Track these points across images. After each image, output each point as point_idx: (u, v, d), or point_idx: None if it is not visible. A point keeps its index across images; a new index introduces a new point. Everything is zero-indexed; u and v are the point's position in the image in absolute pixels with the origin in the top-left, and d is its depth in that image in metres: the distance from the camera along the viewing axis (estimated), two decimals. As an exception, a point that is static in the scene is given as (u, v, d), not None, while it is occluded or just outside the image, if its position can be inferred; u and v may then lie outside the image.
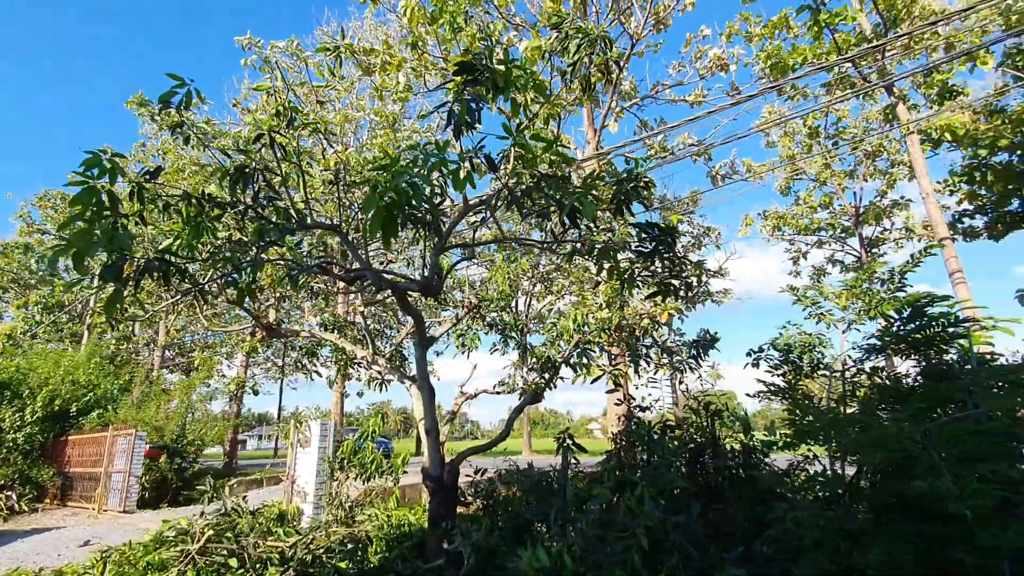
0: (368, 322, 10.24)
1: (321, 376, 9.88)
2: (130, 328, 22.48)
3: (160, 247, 5.19)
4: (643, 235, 4.95)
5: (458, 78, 3.75)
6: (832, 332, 6.05)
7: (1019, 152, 16.29)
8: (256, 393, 18.77)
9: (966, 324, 4.61)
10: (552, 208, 4.35)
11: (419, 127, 15.54)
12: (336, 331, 8.04)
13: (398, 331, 13.93)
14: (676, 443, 6.67)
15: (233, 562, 5.92)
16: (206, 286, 4.12)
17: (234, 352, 27.97)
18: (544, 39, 10.92)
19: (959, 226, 19.76)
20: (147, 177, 3.85)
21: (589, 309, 8.15)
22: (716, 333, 6.49)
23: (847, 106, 15.09)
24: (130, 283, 3.36)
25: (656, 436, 6.83)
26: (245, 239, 4.83)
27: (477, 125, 4.02)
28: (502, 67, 3.59)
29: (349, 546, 6.30)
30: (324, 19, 45.81)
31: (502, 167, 4.36)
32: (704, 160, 14.74)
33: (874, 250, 19.57)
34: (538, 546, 4.04)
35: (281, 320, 8.06)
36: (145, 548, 6.51)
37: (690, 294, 4.90)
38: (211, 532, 5.87)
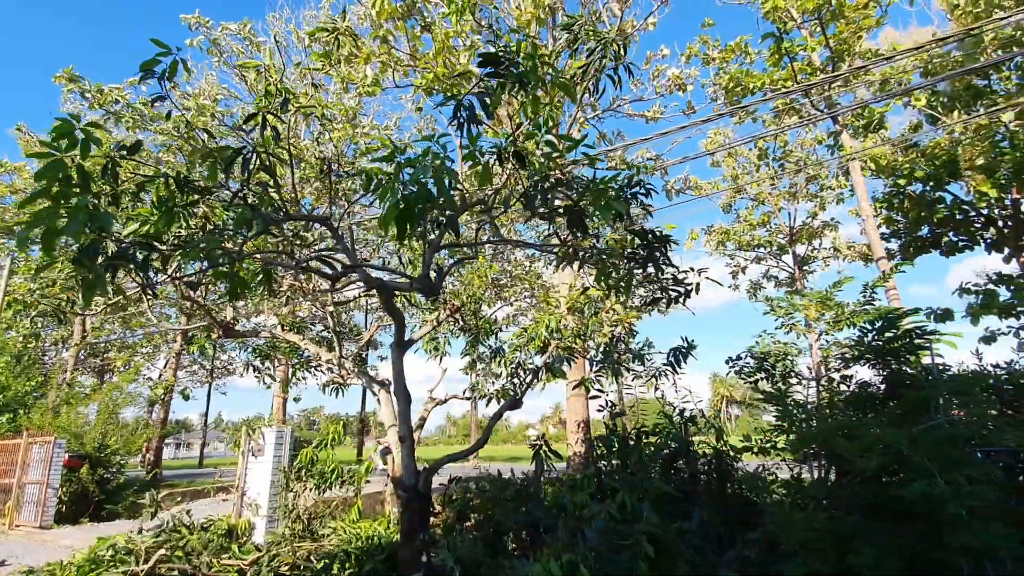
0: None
1: (275, 380, 9.30)
2: (39, 325, 20.25)
3: (124, 232, 4.68)
4: (638, 242, 4.99)
5: (429, 76, 3.65)
6: (799, 340, 6.37)
7: (931, 183, 18.04)
8: (187, 398, 17.40)
9: (931, 337, 4.97)
10: (559, 210, 4.29)
11: (378, 123, 15.07)
12: (297, 332, 7.57)
13: (354, 333, 13.35)
14: (652, 449, 6.76)
15: (186, 583, 5.39)
16: (195, 277, 3.73)
17: (155, 354, 25.91)
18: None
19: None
20: (124, 153, 3.44)
21: (556, 316, 8.14)
22: (693, 341, 6.65)
23: (789, 132, 16.14)
24: (109, 268, 2.96)
25: (631, 442, 6.90)
26: (220, 228, 4.43)
27: (485, 121, 3.90)
28: (529, 62, 3.50)
29: (315, 563, 5.90)
30: (278, 5, 43.81)
31: (505, 167, 4.25)
32: (660, 174, 15.23)
33: (805, 267, 20.95)
34: (548, 558, 3.92)
35: (236, 319, 7.48)
36: (79, 569, 5.81)
37: (687, 301, 4.97)
38: (162, 551, 5.31)
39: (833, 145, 12.79)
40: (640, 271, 4.92)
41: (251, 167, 3.61)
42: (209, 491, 15.00)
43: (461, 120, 4.45)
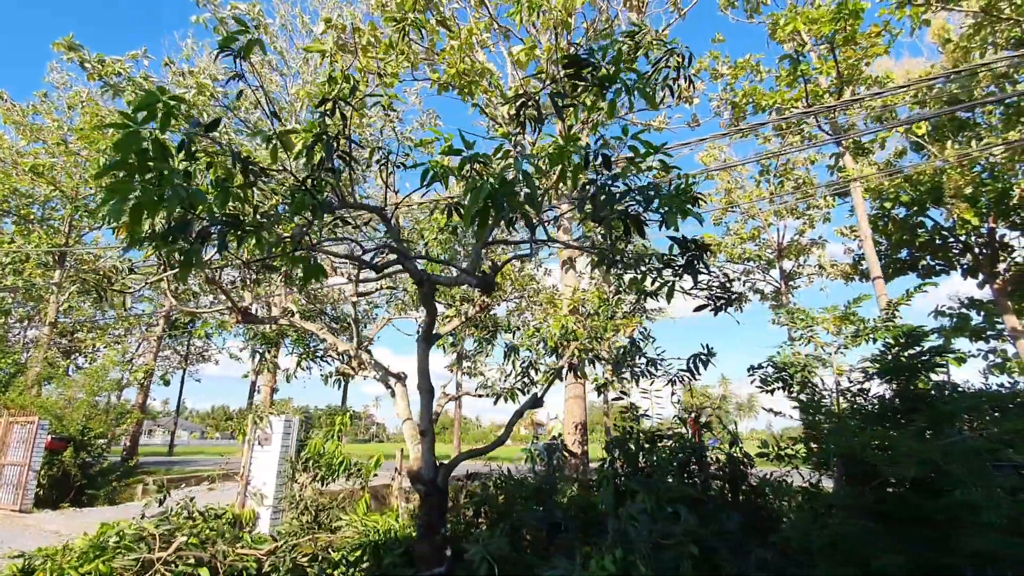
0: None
1: (280, 368, 9.14)
2: (8, 301, 19.38)
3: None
4: (677, 250, 5.09)
5: (451, 71, 3.67)
6: (816, 352, 6.57)
7: (915, 208, 18.80)
8: (167, 383, 16.85)
9: (951, 355, 5.20)
10: (618, 214, 4.35)
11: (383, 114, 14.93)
12: (314, 320, 7.46)
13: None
14: (667, 452, 6.89)
15: (204, 572, 5.27)
16: (268, 260, 3.66)
17: (127, 337, 25.08)
18: (532, 47, 10.98)
19: (859, 267, 22.40)
20: (204, 129, 3.37)
21: (570, 318, 8.23)
22: (712, 348, 6.80)
23: (792, 152, 16.59)
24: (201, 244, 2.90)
25: (647, 445, 7.02)
26: (268, 212, 4.37)
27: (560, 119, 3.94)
28: (613, 67, 3.56)
29: (333, 555, 5.83)
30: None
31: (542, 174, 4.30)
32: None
33: (791, 283, 21.52)
34: (602, 554, 3.98)
35: (253, 304, 7.32)
36: (83, 555, 5.61)
37: (733, 307, 5.09)
38: (183, 537, 5.18)
39: (833, 166, 13.21)
40: (679, 278, 5.02)
41: (334, 152, 3.57)
42: (195, 479, 14.61)
43: (522, 119, 4.50)
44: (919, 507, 4.44)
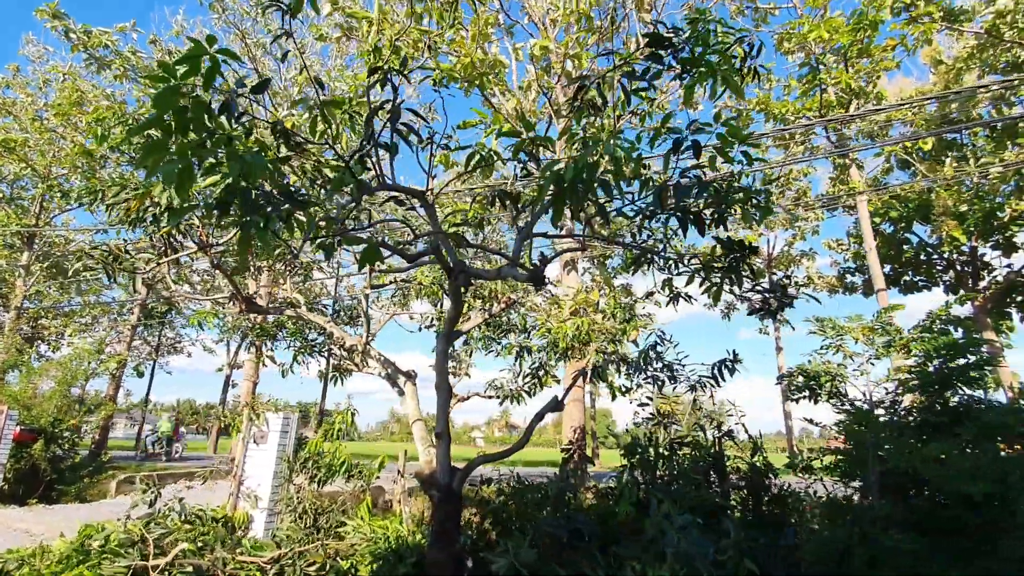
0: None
1: (275, 363, 8.66)
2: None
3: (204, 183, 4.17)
4: (723, 250, 4.90)
5: (465, 61, 3.40)
6: (846, 361, 6.46)
7: (902, 224, 19.21)
8: (140, 375, 15.99)
9: (990, 368, 5.12)
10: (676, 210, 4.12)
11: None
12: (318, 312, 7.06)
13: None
14: (688, 460, 6.70)
15: (204, 581, 4.84)
16: (326, 241, 3.31)
17: (92, 325, 23.91)
18: (557, 41, 10.74)
19: (844, 280, 22.82)
20: (251, 90, 3.00)
21: (587, 320, 7.99)
22: (738, 355, 6.64)
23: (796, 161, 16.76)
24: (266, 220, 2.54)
25: (666, 453, 6.82)
26: (301, 191, 4.01)
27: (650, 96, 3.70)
28: (700, 47, 3.32)
29: (342, 563, 5.45)
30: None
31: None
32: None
33: (753, 293, 21.72)
34: (655, 564, 3.73)
35: (256, 293, 6.88)
36: (66, 560, 5.12)
37: (783, 312, 4.91)
38: (183, 544, 4.74)
39: (836, 178, 13.32)
40: (727, 281, 4.82)
41: (397, 124, 3.24)
42: (172, 477, 13.83)
43: (577, 105, 4.23)
44: (958, 519, 4.33)
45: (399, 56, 3.59)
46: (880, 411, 5.83)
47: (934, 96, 10.50)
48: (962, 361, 4.99)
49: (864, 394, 5.79)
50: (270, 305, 6.54)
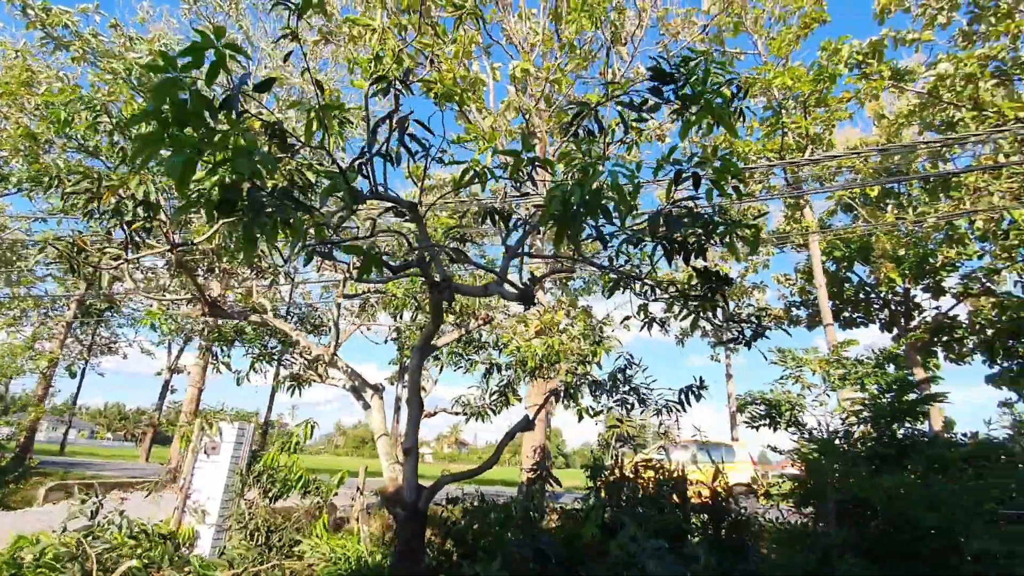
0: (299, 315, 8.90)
1: (230, 370, 8.21)
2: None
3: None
4: (700, 280, 5.08)
5: (448, 80, 3.51)
6: (804, 392, 6.78)
7: (844, 264, 20.46)
8: (73, 375, 14.80)
9: (935, 402, 5.48)
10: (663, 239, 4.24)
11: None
12: (289, 320, 6.82)
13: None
14: (651, 484, 6.80)
15: (149, 603, 4.50)
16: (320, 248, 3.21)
17: (20, 319, 22.16)
18: (537, 65, 10.95)
19: (791, 313, 23.98)
20: (253, 88, 2.91)
21: (556, 340, 8.07)
22: (704, 381, 6.84)
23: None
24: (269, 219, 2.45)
25: (631, 475, 6.90)
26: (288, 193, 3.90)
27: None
28: (700, 86, 3.48)
29: (300, 583, 5.20)
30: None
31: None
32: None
33: (729, 322, 22.58)
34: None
35: (224, 296, 6.56)
36: (-8, 578, 4.65)
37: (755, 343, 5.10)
38: (131, 562, 4.40)
39: (790, 217, 14.08)
40: (704, 310, 4.98)
41: (404, 134, 3.21)
42: (104, 486, 12.77)
43: (575, 130, 4.32)
44: (911, 545, 4.58)
45: (401, 66, 3.57)
46: (836, 441, 6.11)
47: (884, 148, 11.35)
48: (912, 396, 5.32)
49: (820, 423, 6.08)
50: (234, 309, 6.26)
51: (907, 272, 17.07)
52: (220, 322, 7.79)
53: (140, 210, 3.62)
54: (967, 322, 19.50)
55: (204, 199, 2.42)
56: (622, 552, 5.48)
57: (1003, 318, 17.91)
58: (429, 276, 4.83)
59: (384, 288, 7.06)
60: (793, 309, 24.55)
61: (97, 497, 5.56)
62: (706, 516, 6.72)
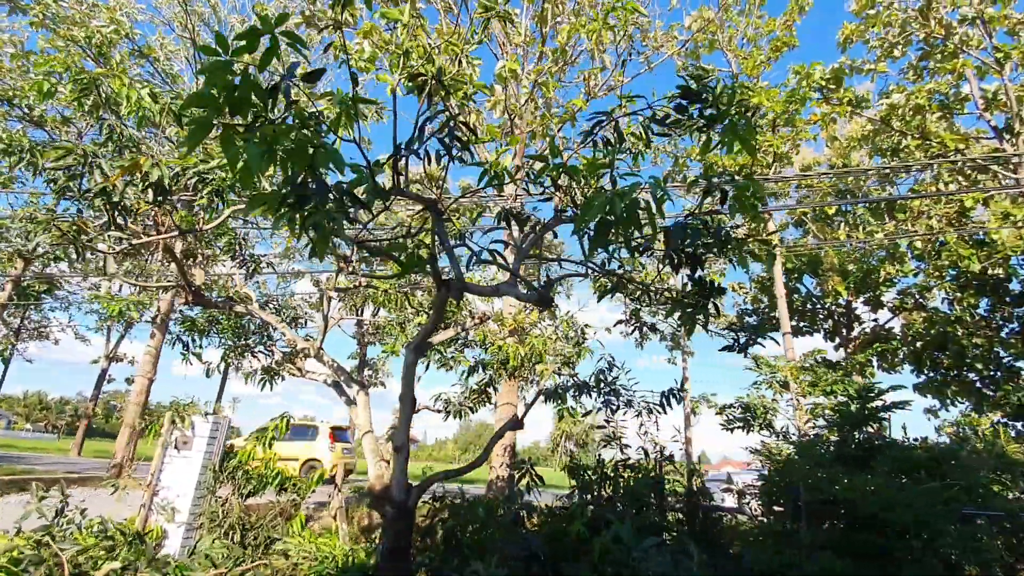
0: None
1: (200, 362, 7.80)
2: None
3: (205, 168, 3.82)
4: (695, 288, 5.30)
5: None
6: (775, 397, 7.16)
7: (795, 276, 21.66)
8: (5, 362, 13.55)
9: (898, 408, 5.95)
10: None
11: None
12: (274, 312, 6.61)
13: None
14: (631, 483, 7.01)
15: (130, 606, 4.28)
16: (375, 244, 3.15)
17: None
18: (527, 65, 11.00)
19: (743, 320, 25.14)
20: (302, 78, 2.84)
21: (540, 340, 8.19)
22: (683, 384, 7.12)
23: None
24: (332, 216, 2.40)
25: (612, 475, 7.10)
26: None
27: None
28: (732, 106, 3.64)
29: (287, 583, 5.07)
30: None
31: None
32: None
33: (728, 330, 23.40)
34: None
35: (205, 285, 6.24)
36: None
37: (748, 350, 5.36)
38: (114, 564, 4.17)
39: (752, 229, 14.77)
40: (701, 316, 5.21)
41: (452, 132, 3.20)
42: (42, 482, 11.84)
43: (595, 138, 4.43)
44: (879, 543, 4.96)
45: (433, 64, 3.56)
46: (807, 444, 6.47)
47: (844, 171, 12.15)
48: (878, 403, 5.74)
49: (791, 427, 6.46)
50: (218, 299, 6.01)
51: (852, 286, 18.25)
52: (194, 311, 7.44)
53: (151, 192, 3.44)
54: (900, 334, 21.04)
55: (275, 193, 2.35)
56: (610, 550, 5.64)
57: (932, 332, 19.39)
58: (437, 274, 4.82)
59: (376, 283, 6.94)
60: (745, 317, 25.79)
61: (64, 495, 5.22)
62: (681, 513, 7.02)
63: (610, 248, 4.05)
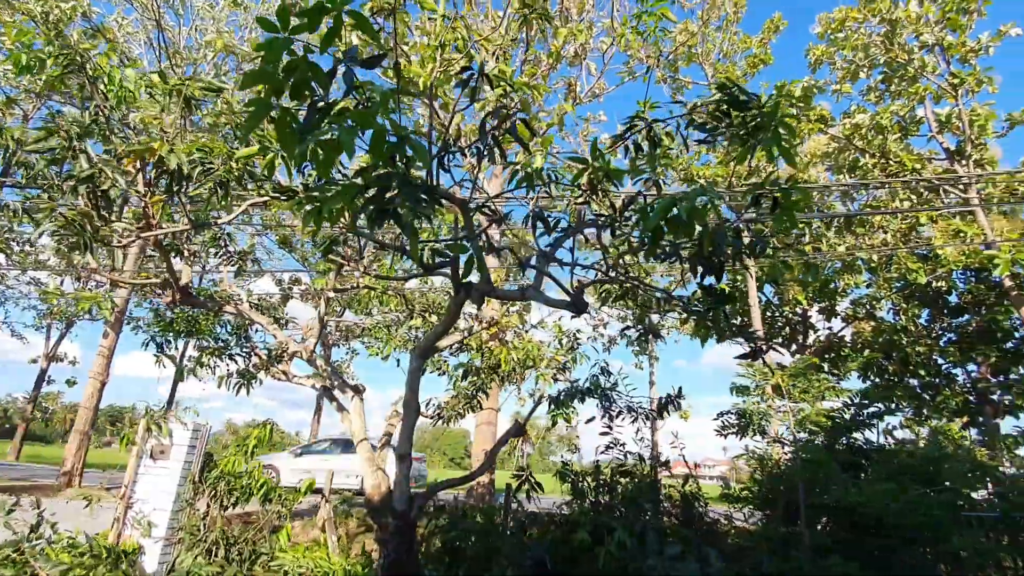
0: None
1: (174, 364, 7.23)
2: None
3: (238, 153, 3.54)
4: (705, 296, 5.37)
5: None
6: (765, 403, 7.34)
7: (757, 284, 22.55)
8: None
9: (888, 415, 6.20)
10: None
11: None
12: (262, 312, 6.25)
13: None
14: (629, 488, 7.02)
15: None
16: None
17: None
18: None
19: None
20: (361, 63, 2.65)
21: (535, 344, 8.12)
22: (681, 390, 7.19)
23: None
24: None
25: (610, 481, 7.09)
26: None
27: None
28: (772, 111, 3.67)
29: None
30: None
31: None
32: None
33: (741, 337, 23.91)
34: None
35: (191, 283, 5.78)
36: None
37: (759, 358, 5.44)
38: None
39: (726, 238, 15.23)
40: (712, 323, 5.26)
41: (513, 130, 3.07)
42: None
43: (628, 140, 4.40)
44: (881, 547, 5.15)
45: (470, 58, 3.43)
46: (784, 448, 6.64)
47: (818, 185, 12.70)
48: (872, 410, 5.96)
49: (788, 432, 6.63)
50: (206, 298, 5.61)
51: (810, 295, 19.11)
52: (169, 311, 6.95)
53: (171, 181, 3.15)
54: (851, 342, 22.20)
55: (352, 185, 2.17)
56: (614, 557, 5.59)
57: (879, 340, 20.56)
58: (457, 277, 4.67)
59: (377, 285, 6.68)
60: (708, 323, 26.58)
61: (39, 507, 4.73)
62: (676, 518, 7.07)
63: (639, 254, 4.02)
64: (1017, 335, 18.34)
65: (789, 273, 12.78)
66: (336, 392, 6.58)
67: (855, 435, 6.42)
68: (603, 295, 6.64)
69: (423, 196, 2.25)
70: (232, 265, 6.36)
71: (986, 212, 13.67)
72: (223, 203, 4.34)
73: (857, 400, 6.14)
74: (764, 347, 5.39)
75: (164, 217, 5.14)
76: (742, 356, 5.37)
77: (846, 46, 13.02)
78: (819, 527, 5.90)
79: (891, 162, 14.10)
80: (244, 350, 7.64)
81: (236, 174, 4.25)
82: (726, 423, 6.95)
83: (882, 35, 12.97)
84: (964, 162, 13.29)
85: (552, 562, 5.85)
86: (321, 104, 2.55)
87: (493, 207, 3.76)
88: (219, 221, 4.23)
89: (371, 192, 2.14)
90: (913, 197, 15.29)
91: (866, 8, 12.73)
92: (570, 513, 6.47)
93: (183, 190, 3.36)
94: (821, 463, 5.37)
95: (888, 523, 4.86)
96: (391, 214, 2.13)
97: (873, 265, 16.92)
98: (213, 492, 6.31)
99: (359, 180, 2.17)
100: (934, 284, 17.37)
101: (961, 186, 13.52)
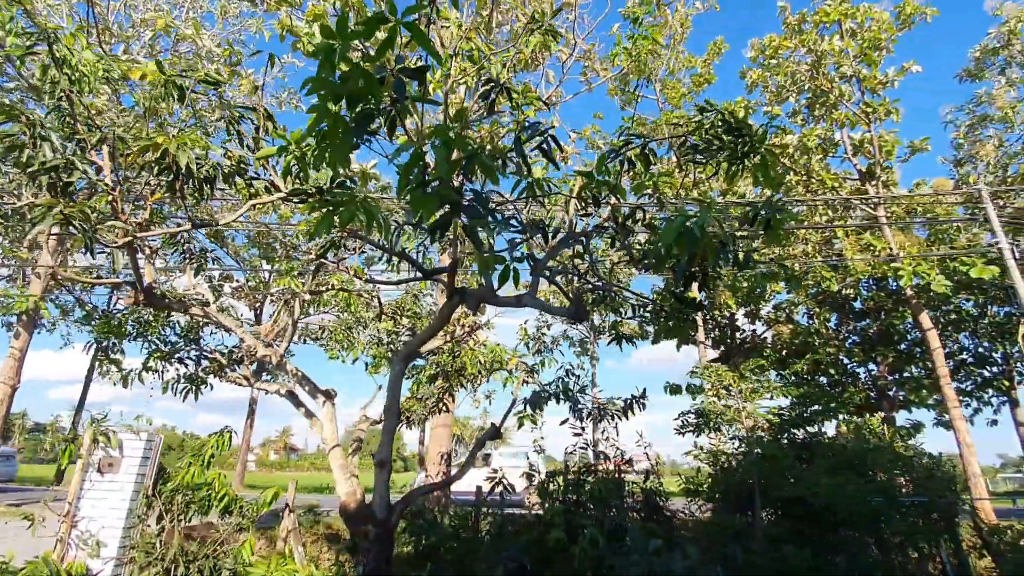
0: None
1: (118, 369, 6.57)
2: None
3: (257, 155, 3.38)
4: (675, 302, 5.71)
5: None
6: (720, 402, 7.86)
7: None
8: None
9: (839, 414, 6.86)
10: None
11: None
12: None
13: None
14: (600, 487, 7.29)
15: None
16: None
17: None
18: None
19: (642, 328, 27.13)
20: (409, 75, 2.66)
21: (502, 348, 8.25)
22: (645, 391, 7.54)
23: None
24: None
25: (579, 481, 7.33)
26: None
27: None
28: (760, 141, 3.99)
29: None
30: None
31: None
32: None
33: (599, 335, 24.64)
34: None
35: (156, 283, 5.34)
36: None
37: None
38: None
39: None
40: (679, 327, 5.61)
41: (548, 142, 3.14)
42: None
43: (622, 159, 4.61)
44: (828, 534, 5.71)
45: (481, 71, 3.50)
46: (741, 445, 7.18)
47: (751, 201, 13.68)
48: (818, 407, 6.58)
49: (744, 429, 7.16)
50: (171, 300, 5.25)
51: (738, 300, 20.53)
52: (115, 313, 6.42)
53: (178, 177, 2.97)
54: (771, 343, 24.05)
55: (432, 199, 2.18)
56: (589, 555, 5.81)
57: (795, 341, 22.40)
58: (452, 281, 4.71)
59: (347, 285, 6.50)
60: (644, 325, 27.84)
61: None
62: (639, 513, 7.43)
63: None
64: (909, 338, 20.61)
65: (770, 281, 13.60)
66: (305, 397, 6.38)
67: (795, 431, 7.05)
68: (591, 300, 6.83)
69: (490, 213, 2.30)
70: (192, 264, 6.00)
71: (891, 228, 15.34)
72: (204, 201, 4.12)
73: (800, 400, 6.75)
74: (740, 350, 5.82)
75: (156, 216, 4.79)
76: (715, 360, 5.76)
77: (779, 72, 14.14)
78: (770, 516, 6.42)
79: (814, 180, 15.46)
80: (194, 354, 7.21)
81: (228, 171, 4.05)
82: (686, 422, 7.39)
83: (809, 64, 14.20)
84: (874, 183, 14.83)
85: (529, 562, 5.98)
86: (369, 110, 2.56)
87: (522, 220, 3.83)
88: (223, 222, 4.00)
89: (447, 207, 2.17)
90: (830, 212, 16.85)
91: (796, 39, 13.89)
92: (543, 513, 6.63)
93: (200, 190, 3.18)
94: (776, 457, 5.87)
95: (835, 511, 5.41)
96: (466, 229, 2.17)
97: (794, 273, 18.47)
98: (168, 506, 5.91)
99: (440, 192, 2.19)
100: (843, 291, 19.19)
101: (872, 204, 15.07)
